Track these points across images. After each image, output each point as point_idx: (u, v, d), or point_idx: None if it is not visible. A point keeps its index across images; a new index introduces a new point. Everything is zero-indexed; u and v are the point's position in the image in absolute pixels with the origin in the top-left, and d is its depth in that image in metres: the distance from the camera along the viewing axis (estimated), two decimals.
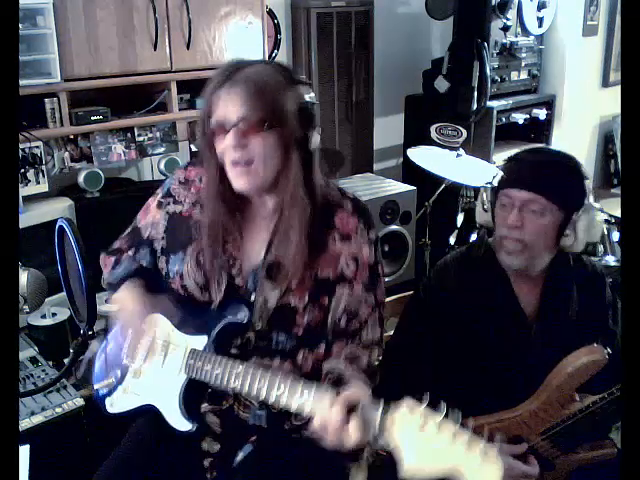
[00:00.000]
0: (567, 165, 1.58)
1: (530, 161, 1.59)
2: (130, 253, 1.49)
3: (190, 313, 1.38)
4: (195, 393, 1.34)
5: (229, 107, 1.23)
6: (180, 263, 1.39)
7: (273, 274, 1.33)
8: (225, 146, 1.25)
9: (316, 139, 1.31)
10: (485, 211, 1.67)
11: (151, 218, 1.47)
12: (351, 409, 1.10)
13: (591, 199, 1.57)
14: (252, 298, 1.34)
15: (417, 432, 1.00)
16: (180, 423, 1.32)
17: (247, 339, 1.35)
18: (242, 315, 1.33)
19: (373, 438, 1.08)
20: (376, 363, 1.40)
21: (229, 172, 1.28)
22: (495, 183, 1.62)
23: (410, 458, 1.00)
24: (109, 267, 1.52)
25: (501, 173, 1.60)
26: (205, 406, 1.39)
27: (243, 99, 1.22)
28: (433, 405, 1.01)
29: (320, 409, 1.13)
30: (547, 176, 1.53)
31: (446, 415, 0.99)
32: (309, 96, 1.29)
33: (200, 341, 1.32)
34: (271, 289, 1.33)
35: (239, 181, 1.27)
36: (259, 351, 1.35)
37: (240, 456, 1.39)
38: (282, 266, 1.31)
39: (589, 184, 1.58)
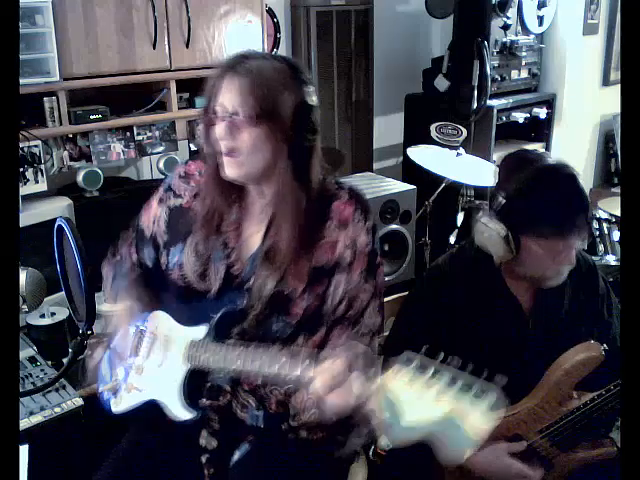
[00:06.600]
0: (581, 193, 1.51)
1: (563, 204, 1.47)
2: (134, 259, 1.53)
3: (189, 305, 1.40)
4: (197, 383, 1.35)
5: (225, 98, 1.27)
6: (180, 254, 1.41)
7: (269, 261, 1.34)
8: (217, 135, 1.29)
9: (314, 138, 1.32)
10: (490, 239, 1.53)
11: (153, 216, 1.50)
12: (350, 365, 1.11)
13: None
14: (249, 285, 1.35)
15: (408, 390, 1.01)
16: (182, 413, 1.33)
17: (245, 327, 1.36)
18: (239, 302, 1.35)
19: (367, 398, 1.08)
20: (376, 352, 1.40)
21: (221, 159, 1.32)
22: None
23: (404, 415, 1.01)
24: (109, 279, 1.53)
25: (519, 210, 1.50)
26: (204, 401, 1.40)
27: (238, 93, 1.25)
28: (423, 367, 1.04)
29: (321, 369, 1.13)
30: (581, 216, 1.49)
31: (434, 374, 1.02)
32: (310, 98, 1.30)
33: (200, 332, 1.33)
34: (267, 276, 1.34)
35: (227, 169, 1.31)
36: (257, 339, 1.35)
37: (237, 455, 1.39)
38: (278, 253, 1.33)
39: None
